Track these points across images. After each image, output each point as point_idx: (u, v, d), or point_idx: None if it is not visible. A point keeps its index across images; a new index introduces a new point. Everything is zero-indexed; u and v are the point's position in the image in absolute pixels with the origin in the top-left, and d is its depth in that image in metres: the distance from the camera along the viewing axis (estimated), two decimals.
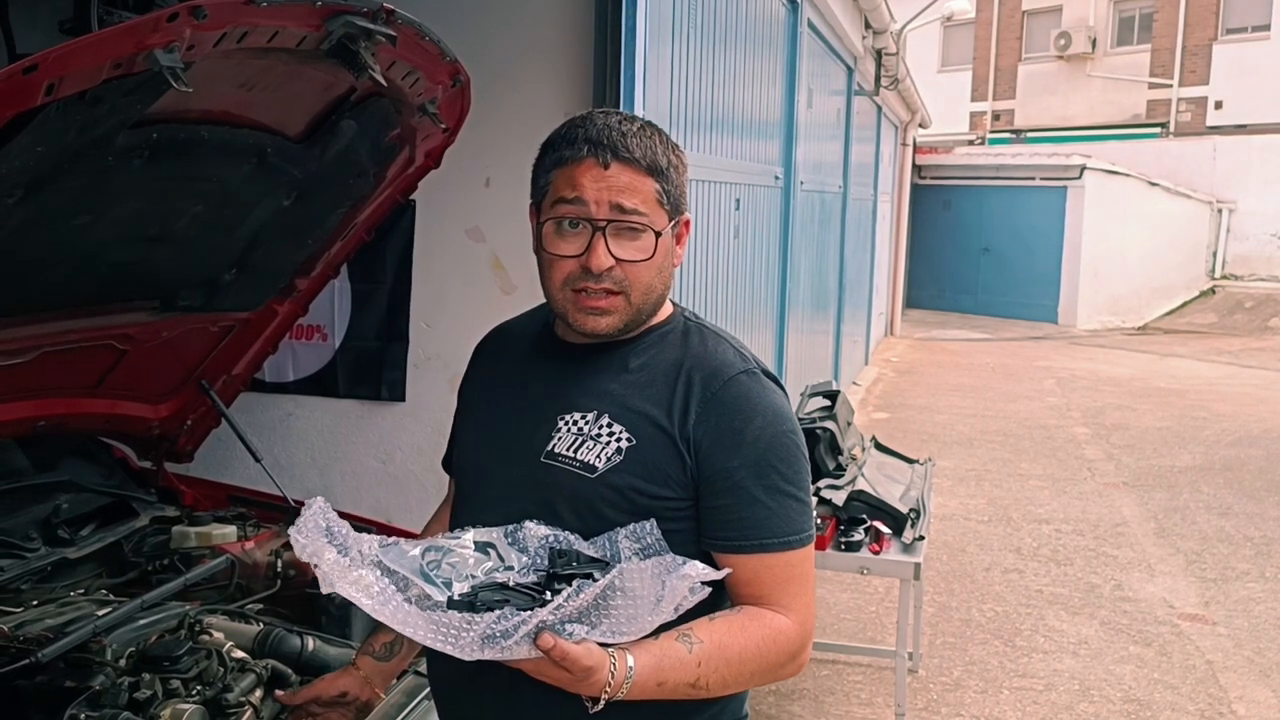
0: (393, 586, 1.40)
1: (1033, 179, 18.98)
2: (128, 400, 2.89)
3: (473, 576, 1.46)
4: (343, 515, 3.02)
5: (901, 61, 12.60)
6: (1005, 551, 6.55)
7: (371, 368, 3.95)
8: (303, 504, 3.01)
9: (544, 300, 1.70)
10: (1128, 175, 18.60)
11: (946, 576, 6.02)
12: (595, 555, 1.52)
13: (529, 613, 1.32)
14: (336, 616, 2.65)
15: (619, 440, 1.59)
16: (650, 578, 1.39)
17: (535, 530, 1.54)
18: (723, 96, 4.91)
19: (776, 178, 6.48)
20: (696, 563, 1.45)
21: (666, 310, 1.72)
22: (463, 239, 3.80)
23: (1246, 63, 22.11)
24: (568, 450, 1.61)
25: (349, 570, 1.40)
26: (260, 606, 2.62)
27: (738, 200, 5.33)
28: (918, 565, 3.95)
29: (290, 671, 2.32)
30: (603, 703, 1.41)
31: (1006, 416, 10.80)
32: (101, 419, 2.86)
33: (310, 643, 2.40)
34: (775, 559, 1.58)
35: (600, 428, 1.61)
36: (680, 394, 1.61)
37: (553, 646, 1.33)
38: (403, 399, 3.94)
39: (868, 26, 10.40)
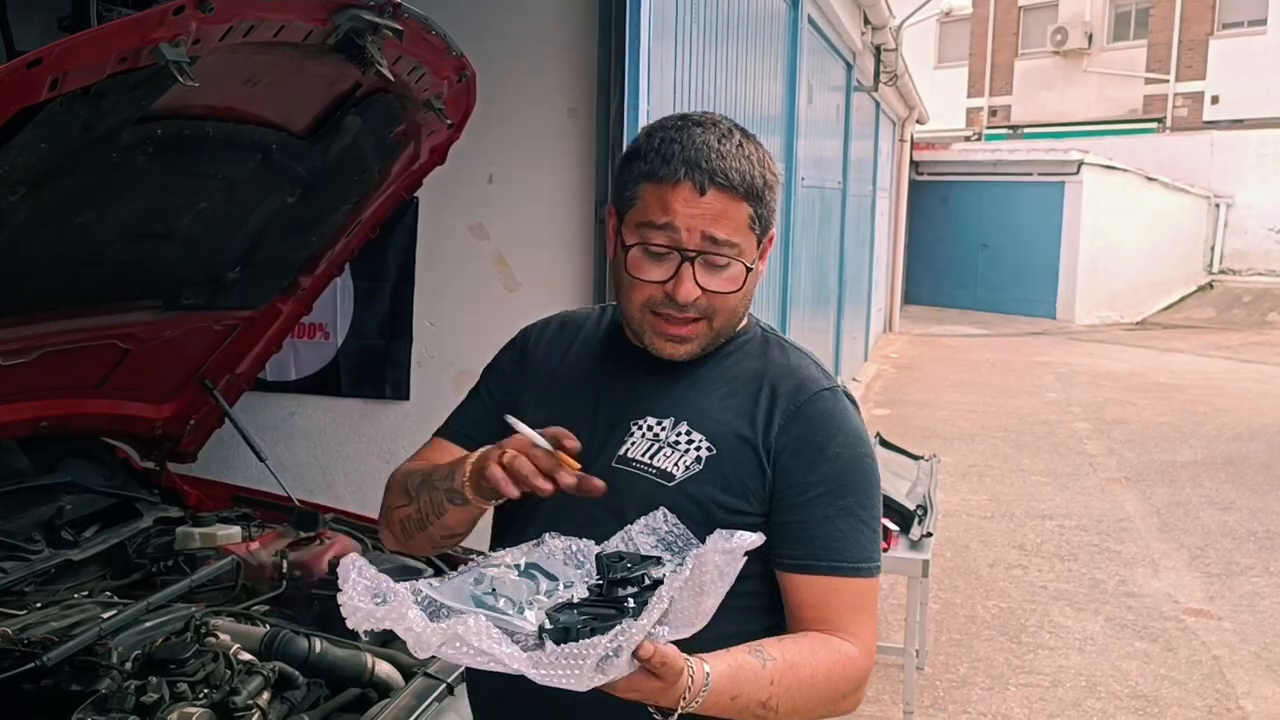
0: (496, 629, 1.25)
1: (1030, 174, 18.97)
2: (131, 400, 2.87)
3: (533, 602, 1.36)
4: (347, 515, 3.06)
5: (900, 57, 12.58)
6: (1008, 547, 6.53)
7: (374, 366, 3.92)
8: (307, 505, 3.03)
9: (593, 303, 1.64)
10: (1125, 170, 18.59)
11: (950, 573, 6.00)
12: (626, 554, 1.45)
13: (629, 624, 1.22)
14: (344, 618, 2.61)
15: (698, 449, 1.54)
16: (711, 562, 1.31)
17: (554, 543, 1.46)
18: (724, 92, 4.89)
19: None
20: (742, 534, 1.34)
21: (745, 322, 1.66)
22: (466, 236, 3.78)
23: (1243, 57, 22.14)
24: (643, 456, 1.55)
25: (440, 626, 1.25)
26: (266, 608, 2.58)
27: None
28: (926, 562, 3.93)
29: (297, 674, 2.29)
30: (677, 714, 1.31)
31: (1007, 412, 10.78)
32: (104, 419, 2.83)
33: (317, 644, 2.37)
34: (844, 584, 1.52)
35: (679, 435, 1.55)
36: (764, 404, 1.56)
37: (653, 654, 1.22)
38: (406, 398, 3.92)
39: (866, 22, 10.38)
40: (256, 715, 2.17)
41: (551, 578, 1.41)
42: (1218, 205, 20.05)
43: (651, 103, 3.60)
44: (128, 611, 2.32)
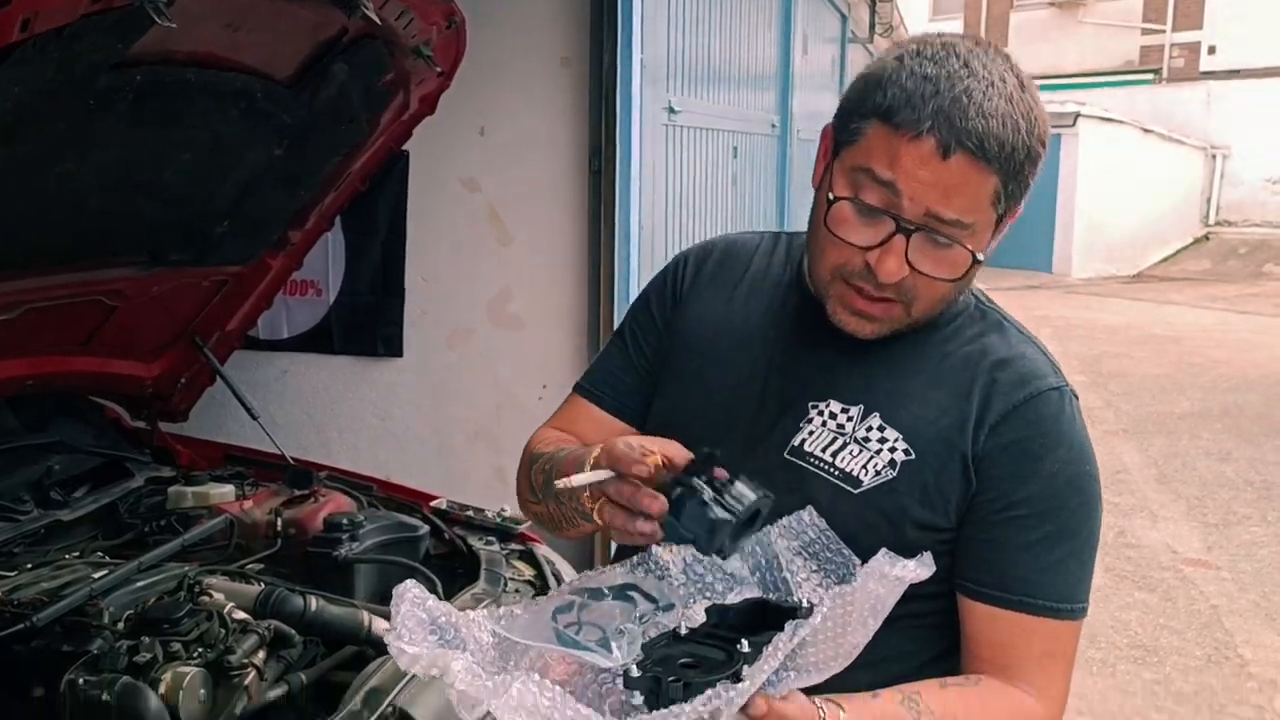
0: (561, 693, 0.98)
1: None
2: (119, 358, 2.81)
3: (624, 631, 1.12)
4: (341, 473, 3.02)
5: (895, 9, 12.43)
6: None
7: (367, 323, 3.86)
8: (301, 463, 2.99)
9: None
10: (1122, 123, 18.45)
11: None
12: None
13: (725, 689, 0.97)
14: (340, 574, 2.58)
15: (893, 450, 1.28)
16: (861, 594, 1.09)
17: (665, 555, 1.22)
18: (720, 43, 4.80)
19: (773, 126, 6.38)
20: (908, 563, 1.13)
21: None
22: (458, 189, 3.71)
23: (1239, 6, 21.87)
24: (822, 451, 1.29)
25: (497, 683, 0.98)
26: (261, 567, 2.55)
27: (735, 149, 5.23)
28: None
29: (293, 632, 2.25)
30: None
31: None
32: (92, 378, 2.78)
33: (313, 602, 2.33)
34: (1037, 625, 1.26)
35: (869, 430, 1.29)
36: (977, 401, 1.29)
37: (766, 712, 1.01)
38: (400, 354, 3.86)
39: None
40: (252, 674, 2.13)
41: (651, 599, 1.16)
42: (1214, 157, 19.94)
43: (646, 51, 3.52)
44: (119, 571, 2.28)
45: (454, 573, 2.67)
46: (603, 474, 1.16)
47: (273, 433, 3.04)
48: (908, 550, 1.17)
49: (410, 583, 1.13)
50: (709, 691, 0.96)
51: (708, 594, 1.18)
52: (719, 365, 1.39)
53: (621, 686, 1.02)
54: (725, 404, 1.37)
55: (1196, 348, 11.71)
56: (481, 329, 3.75)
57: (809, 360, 1.35)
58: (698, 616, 1.13)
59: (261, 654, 2.18)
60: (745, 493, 1.12)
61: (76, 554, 2.52)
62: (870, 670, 1.13)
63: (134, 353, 2.83)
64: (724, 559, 1.15)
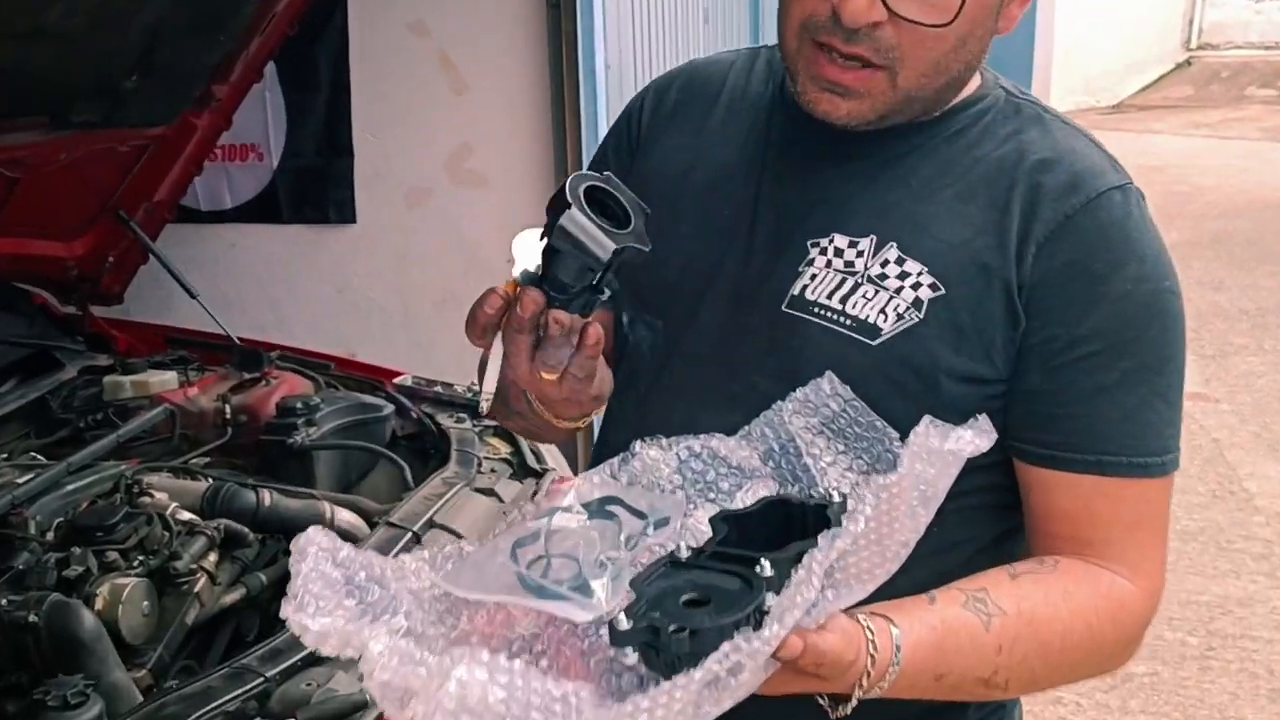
0: (524, 674, 0.73)
1: None
2: (34, 238, 2.55)
3: (606, 564, 0.85)
4: (294, 351, 2.78)
5: None
6: None
7: (315, 187, 3.58)
8: (249, 342, 2.75)
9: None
10: None
11: None
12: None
13: (747, 636, 0.73)
14: (298, 463, 2.37)
15: (917, 286, 1.03)
16: (908, 480, 0.85)
17: (650, 453, 0.98)
18: None
19: None
20: (961, 431, 0.90)
21: (974, 81, 1.10)
22: (404, 34, 3.40)
23: None
24: (828, 298, 1.04)
25: (433, 667, 0.72)
26: (207, 460, 2.33)
27: None
28: None
29: (247, 531, 2.05)
30: (853, 705, 0.89)
31: None
32: (5, 260, 2.51)
33: (267, 497, 2.12)
34: (1121, 487, 1.02)
35: (885, 265, 1.04)
36: (1018, 211, 1.02)
37: (802, 652, 0.79)
38: (354, 220, 3.59)
39: None
40: (203, 579, 1.93)
41: (638, 515, 0.90)
42: None
43: None
44: (46, 475, 2.05)
45: (424, 454, 2.48)
46: (496, 358, 0.94)
47: (224, 311, 2.81)
48: (948, 411, 0.95)
49: (313, 531, 0.86)
50: (726, 646, 0.71)
51: (710, 495, 0.93)
52: (692, 210, 1.14)
53: (608, 643, 0.77)
54: (703, 256, 1.12)
55: (1181, 175, 11.48)
56: (440, 188, 3.48)
57: (804, 187, 1.10)
58: (701, 530, 0.88)
59: (213, 556, 1.99)
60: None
61: (4, 456, 2.29)
62: (914, 569, 0.89)
63: (50, 231, 2.58)
64: (603, 282, 0.90)
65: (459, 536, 2.02)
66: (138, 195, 2.66)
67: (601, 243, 0.86)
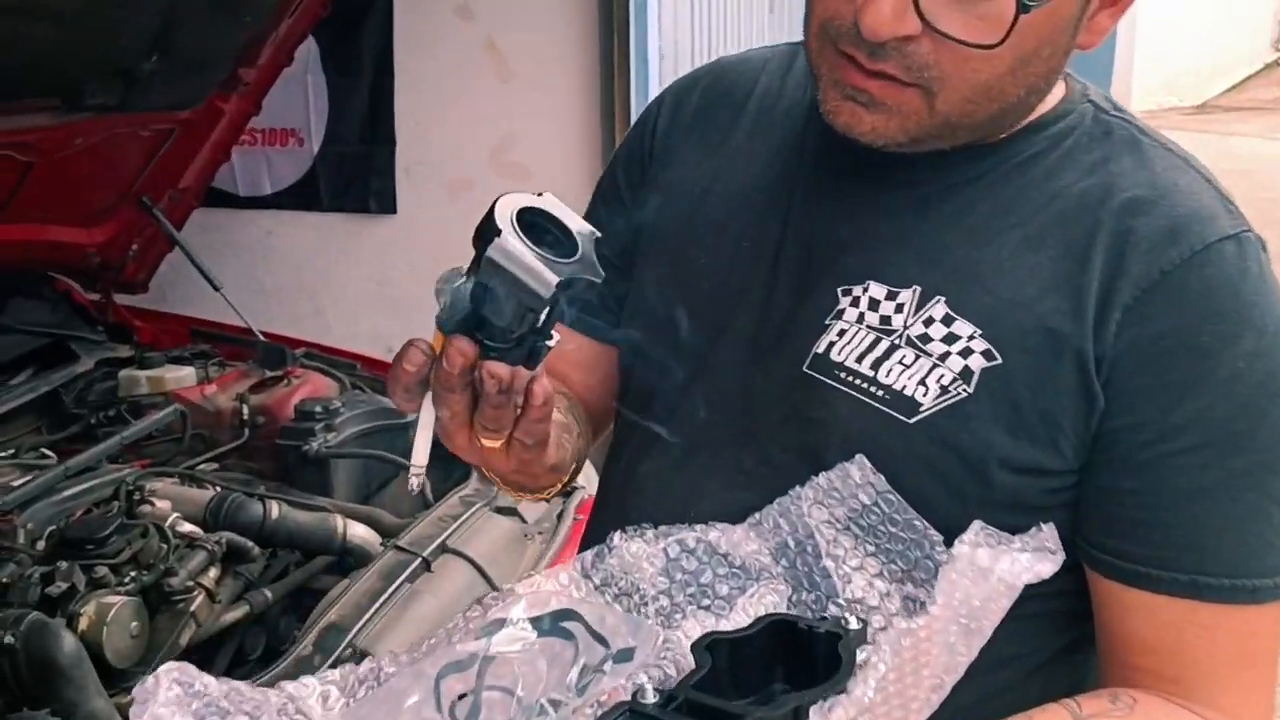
0: None
1: None
2: (52, 224, 2.45)
3: (550, 708, 0.69)
4: (322, 349, 2.65)
5: None
6: None
7: (357, 176, 3.50)
8: (274, 337, 2.63)
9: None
10: None
11: None
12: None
13: None
14: (314, 470, 2.25)
15: (967, 353, 0.83)
16: (944, 614, 0.70)
17: (631, 546, 0.81)
18: None
19: None
20: (1019, 553, 0.73)
21: (1056, 93, 0.90)
22: (450, 18, 3.31)
23: None
24: (858, 361, 0.85)
25: None
26: (215, 466, 2.21)
27: None
28: None
29: (251, 544, 1.92)
30: None
31: None
32: (21, 247, 2.42)
33: (275, 508, 1.99)
34: (1222, 614, 0.81)
35: (928, 323, 0.84)
36: (1100, 263, 0.82)
37: None
38: (394, 211, 3.50)
39: None
40: (200, 597, 1.81)
41: (601, 641, 0.73)
42: None
43: None
44: (43, 477, 1.94)
45: (446, 464, 2.34)
46: (428, 423, 0.76)
47: (259, 300, 2.75)
48: (1000, 509, 0.78)
49: (167, 667, 0.69)
50: None
51: (705, 601, 0.75)
52: (710, 239, 0.95)
53: None
54: (716, 295, 0.93)
55: (1267, 180, 11.13)
56: (483, 179, 3.38)
57: (839, 218, 0.90)
58: (683, 652, 0.70)
59: (213, 572, 1.87)
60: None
61: (11, 452, 2.19)
62: (955, 688, 0.72)
63: (70, 217, 2.48)
64: (548, 326, 0.72)
65: (472, 563, 1.88)
66: (162, 181, 2.57)
67: (541, 276, 0.67)
